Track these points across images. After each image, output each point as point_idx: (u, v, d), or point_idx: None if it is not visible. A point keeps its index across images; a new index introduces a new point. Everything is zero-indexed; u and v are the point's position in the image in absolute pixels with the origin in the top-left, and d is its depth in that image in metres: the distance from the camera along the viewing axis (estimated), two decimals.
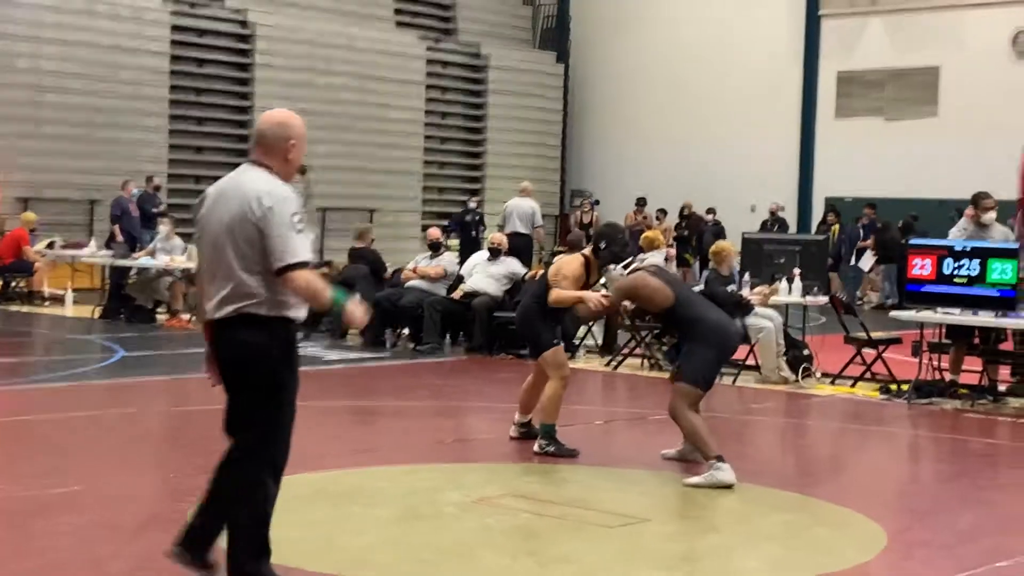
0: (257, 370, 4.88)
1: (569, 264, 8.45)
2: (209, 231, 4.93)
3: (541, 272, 13.93)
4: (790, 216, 27.04)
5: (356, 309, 4.94)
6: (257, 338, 4.85)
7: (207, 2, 25.10)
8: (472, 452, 8.50)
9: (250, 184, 4.88)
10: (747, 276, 12.56)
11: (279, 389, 4.92)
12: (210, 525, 5.03)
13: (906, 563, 6.12)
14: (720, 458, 7.52)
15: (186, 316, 16.21)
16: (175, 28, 24.18)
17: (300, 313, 4.99)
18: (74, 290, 18.14)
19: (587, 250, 8.57)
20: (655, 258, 13.44)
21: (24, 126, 21.98)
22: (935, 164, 25.22)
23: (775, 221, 24.83)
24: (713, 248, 12.61)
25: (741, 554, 6.11)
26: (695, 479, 7.54)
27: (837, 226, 23.71)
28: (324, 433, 8.82)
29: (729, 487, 7.40)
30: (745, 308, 12.04)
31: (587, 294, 8.30)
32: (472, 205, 24.11)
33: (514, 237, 17.99)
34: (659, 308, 8.04)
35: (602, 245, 8.41)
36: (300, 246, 4.83)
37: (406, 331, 14.55)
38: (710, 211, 25.77)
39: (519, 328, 8.99)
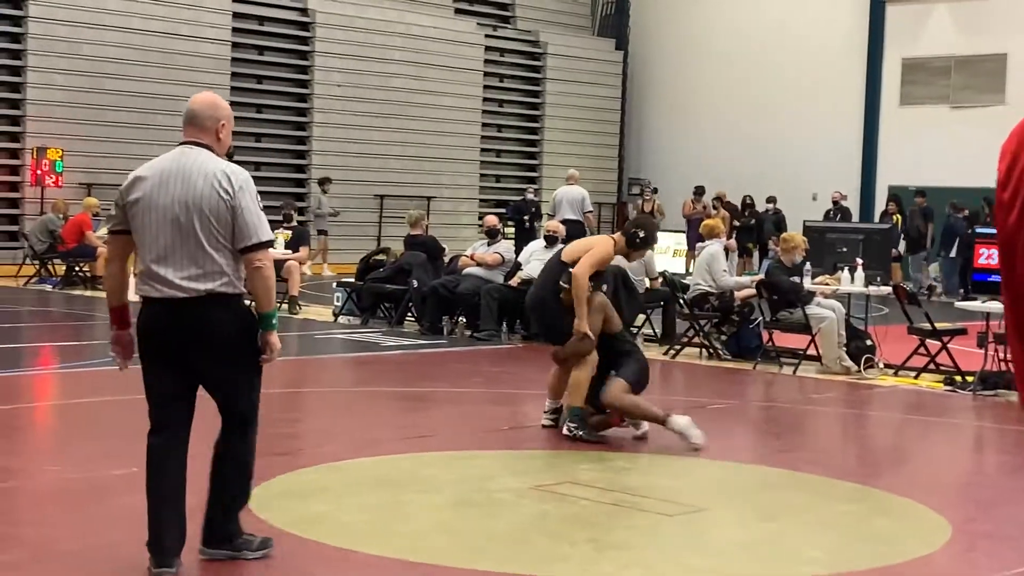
0: (236, 348, 5.01)
1: (601, 244, 8.46)
2: (162, 211, 4.97)
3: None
4: (852, 205, 26.71)
5: (278, 343, 5.06)
6: (230, 317, 5.01)
7: None
8: (528, 439, 8.46)
9: (210, 164, 4.97)
10: (808, 266, 12.42)
11: (256, 361, 5.07)
12: (227, 508, 5.21)
13: (970, 555, 6.00)
14: (669, 415, 8.10)
15: (249, 300, 16.46)
16: (236, 15, 24.35)
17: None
18: (136, 275, 18.29)
19: (618, 236, 8.60)
20: (714, 246, 13.36)
21: (86, 112, 22.23)
22: None
23: (838, 210, 24.54)
24: (784, 235, 12.54)
25: (800, 543, 6.02)
26: (687, 435, 8.04)
27: (899, 216, 23.42)
28: (380, 419, 8.82)
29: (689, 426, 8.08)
30: (806, 298, 11.95)
31: (584, 326, 8.20)
32: (531, 196, 24.15)
33: (565, 224, 17.99)
34: (609, 332, 8.38)
35: (641, 234, 8.44)
36: (266, 226, 5.02)
37: (463, 318, 14.54)
38: (770, 200, 25.51)
39: (533, 312, 8.92)
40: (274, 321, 5.06)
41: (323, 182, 24.39)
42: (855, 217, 25.76)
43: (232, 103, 24.09)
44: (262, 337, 5.02)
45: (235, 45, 24.34)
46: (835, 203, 24.68)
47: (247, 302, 5.17)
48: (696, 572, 5.47)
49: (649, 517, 6.41)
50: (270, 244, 5.05)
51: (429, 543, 5.74)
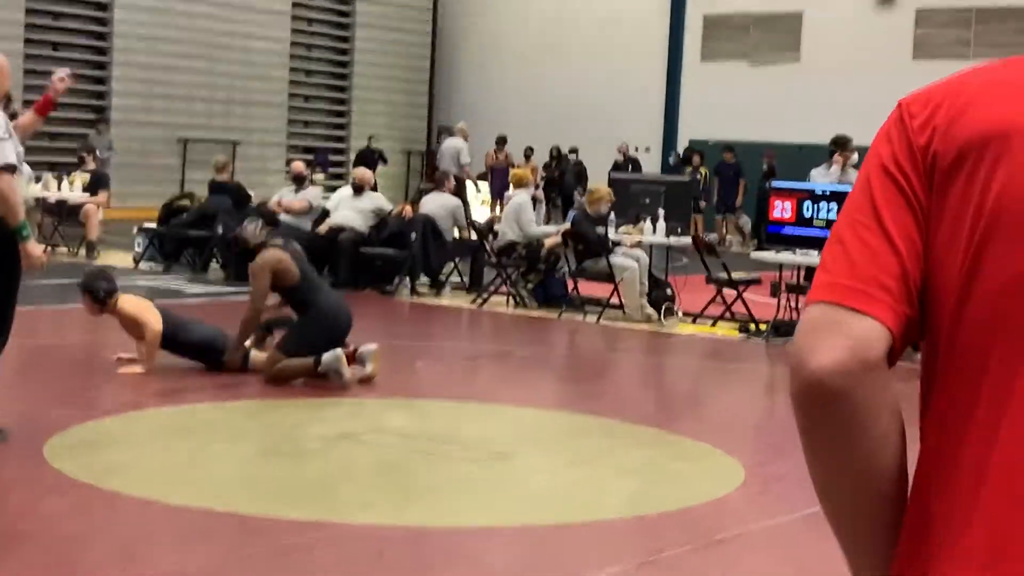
0: None
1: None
2: None
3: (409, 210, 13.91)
4: (655, 158, 27.31)
5: (36, 249, 5.91)
6: None
7: None
8: (335, 387, 8.42)
9: None
10: (613, 216, 12.67)
11: (13, 276, 5.86)
12: None
13: (762, 497, 6.26)
14: (319, 359, 8.05)
15: (42, 246, 15.96)
16: None
17: None
18: None
19: None
20: (522, 196, 13.50)
21: None
22: (797, 109, 25.68)
23: (628, 161, 25.05)
24: (591, 187, 12.82)
25: (604, 488, 6.18)
26: (340, 372, 8.05)
27: (705, 169, 24.02)
28: (185, 367, 8.65)
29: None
30: (611, 248, 12.20)
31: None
32: (375, 144, 24.27)
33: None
34: (287, 285, 8.35)
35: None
36: (6, 151, 5.74)
37: None
38: (572, 151, 25.88)
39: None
40: (25, 232, 5.78)
41: (96, 123, 23.23)
42: (656, 169, 26.35)
43: (27, 40, 23.28)
44: (21, 249, 5.76)
45: None
46: (624, 155, 25.18)
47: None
48: (503, 517, 5.56)
49: (456, 463, 6.49)
50: (11, 169, 5.73)
51: (234, 492, 5.68)
